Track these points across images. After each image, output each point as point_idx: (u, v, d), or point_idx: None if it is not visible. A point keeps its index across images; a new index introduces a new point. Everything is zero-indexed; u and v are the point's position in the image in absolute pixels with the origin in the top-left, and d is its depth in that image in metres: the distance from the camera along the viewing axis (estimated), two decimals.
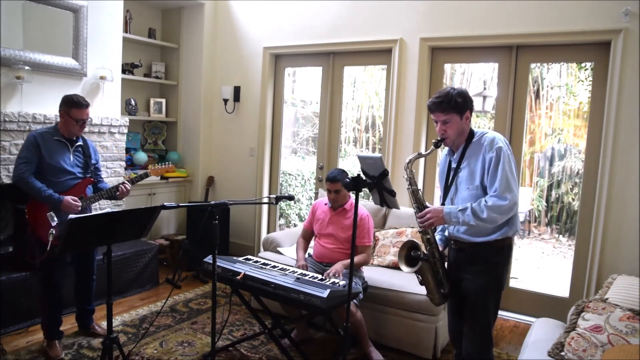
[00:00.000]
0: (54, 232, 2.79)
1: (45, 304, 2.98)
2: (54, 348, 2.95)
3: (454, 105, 2.15)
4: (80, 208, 2.88)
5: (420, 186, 4.11)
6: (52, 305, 2.98)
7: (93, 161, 3.11)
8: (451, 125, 2.18)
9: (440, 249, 2.36)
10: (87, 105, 2.95)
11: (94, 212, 2.98)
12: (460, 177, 2.24)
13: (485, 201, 2.08)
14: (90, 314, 3.26)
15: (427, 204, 2.29)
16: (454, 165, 2.28)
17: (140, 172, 3.24)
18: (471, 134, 2.23)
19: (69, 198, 2.84)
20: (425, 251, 2.26)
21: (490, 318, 2.25)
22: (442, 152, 2.42)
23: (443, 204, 2.32)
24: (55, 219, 2.85)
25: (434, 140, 2.27)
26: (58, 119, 3.66)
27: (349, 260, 3.07)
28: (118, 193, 3.02)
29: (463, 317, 2.30)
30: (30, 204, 2.89)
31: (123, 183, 3.04)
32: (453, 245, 2.33)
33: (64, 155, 2.94)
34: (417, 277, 2.29)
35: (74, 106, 2.90)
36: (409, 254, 2.25)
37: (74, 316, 3.29)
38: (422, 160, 4.09)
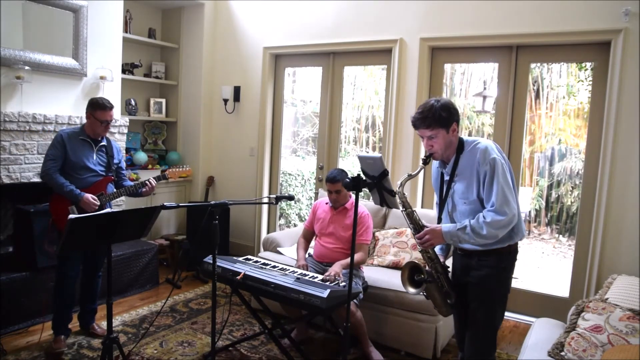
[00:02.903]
0: None
1: (57, 299, 3.04)
2: (59, 341, 3.01)
3: (438, 119, 2.08)
4: (97, 207, 2.99)
5: (420, 190, 4.14)
6: (65, 300, 3.04)
7: (116, 160, 3.23)
8: (438, 140, 2.12)
9: (442, 259, 2.34)
10: (111, 107, 3.08)
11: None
12: (455, 191, 2.19)
13: (484, 217, 2.04)
14: (93, 313, 3.28)
15: (424, 222, 2.25)
16: (446, 177, 2.23)
17: (159, 173, 3.33)
18: (461, 144, 2.17)
19: (88, 196, 2.96)
20: (427, 268, 2.24)
21: (496, 322, 2.23)
22: (434, 164, 2.34)
23: (440, 217, 2.30)
24: (76, 212, 2.96)
25: (422, 157, 2.20)
26: (57, 119, 3.71)
27: (345, 261, 3.08)
28: (145, 189, 3.15)
29: (466, 320, 2.28)
30: (54, 197, 3.03)
31: (149, 180, 3.15)
32: (459, 252, 2.30)
33: (88, 153, 3.08)
34: (423, 293, 2.27)
35: (98, 108, 3.04)
36: (411, 275, 2.23)
37: (76, 315, 3.30)
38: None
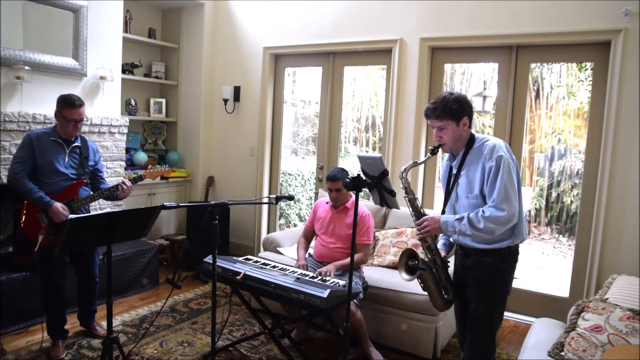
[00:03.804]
0: (43, 232, 2.78)
1: (47, 305, 2.98)
2: (57, 348, 2.95)
3: (448, 111, 2.11)
4: (67, 217, 2.78)
5: (420, 190, 4.14)
6: (54, 305, 2.98)
7: (91, 162, 3.05)
8: (447, 132, 2.15)
9: (444, 254, 2.35)
10: (80, 104, 2.87)
11: (93, 212, 2.98)
12: (459, 184, 2.22)
13: (483, 211, 2.06)
14: (92, 314, 3.25)
15: (425, 211, 2.28)
16: (454, 171, 2.26)
17: (140, 172, 3.20)
18: (471, 139, 2.20)
19: (58, 205, 2.79)
20: (425, 259, 2.25)
21: (495, 324, 2.24)
22: (444, 157, 2.40)
23: (444, 210, 2.31)
24: (45, 220, 2.83)
25: (430, 147, 2.24)
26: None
27: (342, 262, 3.08)
28: (118, 192, 2.96)
29: (466, 321, 2.29)
30: (25, 203, 2.87)
31: (123, 182, 2.97)
32: (459, 251, 2.31)
33: (58, 156, 2.89)
34: (420, 284, 2.29)
35: (65, 106, 2.84)
36: (408, 262, 2.25)
37: (75, 315, 3.29)
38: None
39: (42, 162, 2.84)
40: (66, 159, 2.92)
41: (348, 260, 3.07)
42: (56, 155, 2.89)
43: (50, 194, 2.82)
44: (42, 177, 2.85)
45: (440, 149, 2.23)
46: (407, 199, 2.27)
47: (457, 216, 2.13)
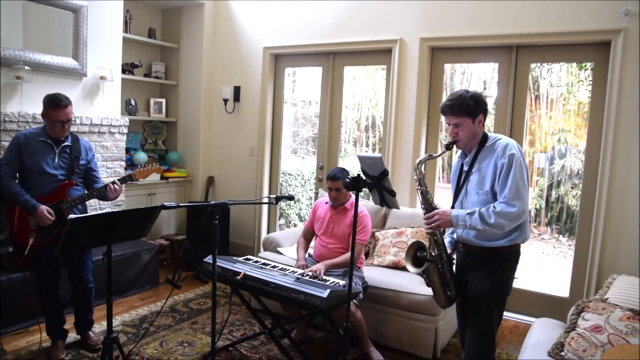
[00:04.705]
0: (34, 235, 2.76)
1: (45, 305, 2.97)
2: (57, 348, 2.94)
3: (465, 108, 2.14)
4: (52, 221, 2.74)
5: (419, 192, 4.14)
6: (53, 306, 2.96)
7: (83, 161, 2.95)
8: (463, 129, 2.18)
9: (449, 251, 2.35)
10: (66, 105, 2.76)
11: (92, 213, 2.97)
12: (470, 181, 2.24)
13: (494, 207, 2.08)
14: (89, 323, 3.12)
15: (436, 205, 2.30)
16: (465, 168, 2.28)
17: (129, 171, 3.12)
18: (484, 137, 2.23)
19: (43, 208, 2.71)
20: (433, 253, 2.26)
21: (494, 323, 2.24)
22: (455, 155, 2.41)
23: (453, 206, 2.32)
24: (35, 222, 2.78)
25: (445, 142, 2.27)
26: None
27: (332, 260, 3.08)
28: (108, 192, 2.85)
29: (467, 320, 2.29)
30: (17, 207, 2.80)
31: (113, 182, 2.87)
32: (461, 249, 2.32)
33: (47, 156, 2.81)
34: (424, 279, 2.29)
35: (50, 106, 2.74)
36: (415, 254, 2.25)
37: (73, 323, 3.16)
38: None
39: (30, 164, 2.77)
40: (55, 160, 2.84)
41: (338, 259, 3.07)
42: (44, 156, 2.80)
43: (39, 196, 2.76)
44: (30, 179, 2.79)
45: (454, 145, 2.25)
46: (419, 191, 2.28)
47: (468, 210, 2.15)
